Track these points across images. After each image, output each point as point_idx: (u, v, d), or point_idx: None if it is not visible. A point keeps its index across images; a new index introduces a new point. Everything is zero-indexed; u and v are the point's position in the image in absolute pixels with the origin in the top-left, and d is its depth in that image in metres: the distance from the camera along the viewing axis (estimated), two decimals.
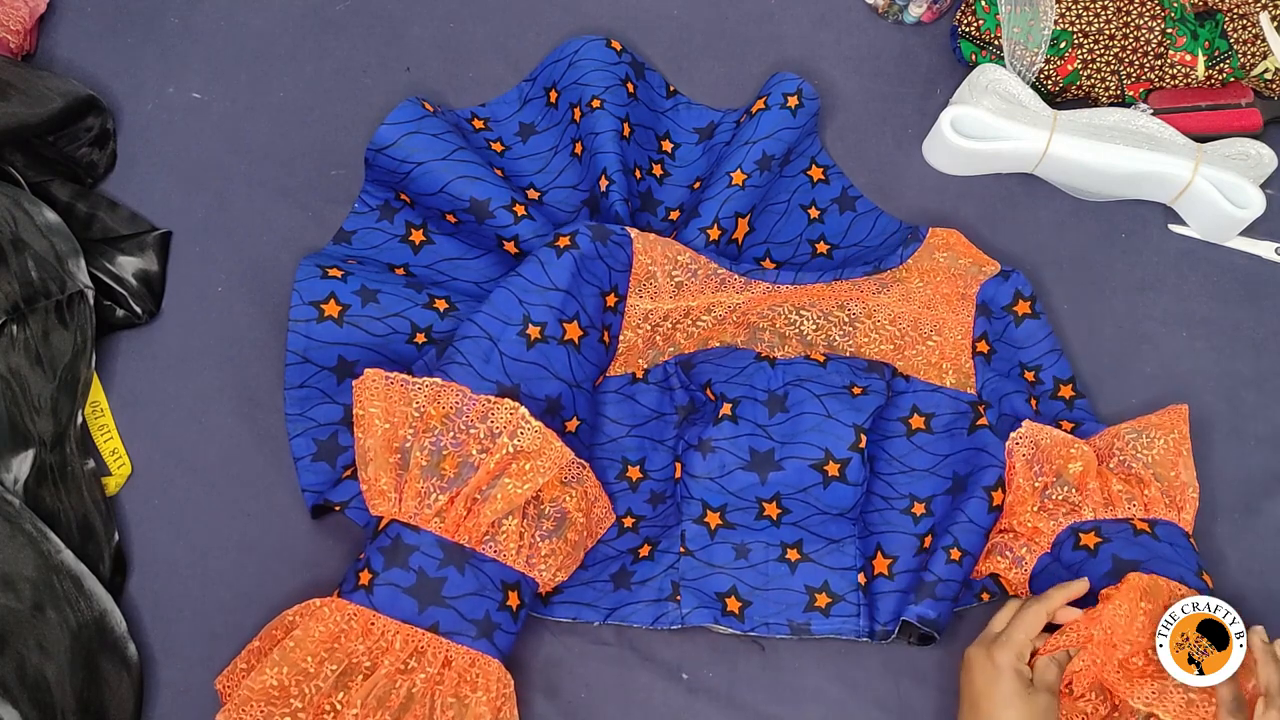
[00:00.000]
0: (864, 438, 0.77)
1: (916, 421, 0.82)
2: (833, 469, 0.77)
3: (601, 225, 0.78)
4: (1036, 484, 0.78)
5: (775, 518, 0.78)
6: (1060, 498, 0.77)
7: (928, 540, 0.79)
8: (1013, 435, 0.79)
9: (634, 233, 0.79)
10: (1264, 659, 0.68)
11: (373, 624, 0.69)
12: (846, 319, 0.83)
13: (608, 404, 0.81)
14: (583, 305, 0.77)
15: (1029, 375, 0.83)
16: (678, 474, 0.79)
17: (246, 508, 0.78)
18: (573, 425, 0.76)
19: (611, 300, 0.79)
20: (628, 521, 0.79)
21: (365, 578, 0.70)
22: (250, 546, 0.78)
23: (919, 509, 0.80)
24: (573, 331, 0.76)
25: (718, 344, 0.83)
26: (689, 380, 0.81)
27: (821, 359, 0.82)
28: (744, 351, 0.82)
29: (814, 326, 0.83)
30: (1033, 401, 0.83)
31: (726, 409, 0.78)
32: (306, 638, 0.68)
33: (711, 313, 0.82)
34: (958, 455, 0.81)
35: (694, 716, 0.76)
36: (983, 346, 0.84)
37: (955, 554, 0.76)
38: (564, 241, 0.77)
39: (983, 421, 0.81)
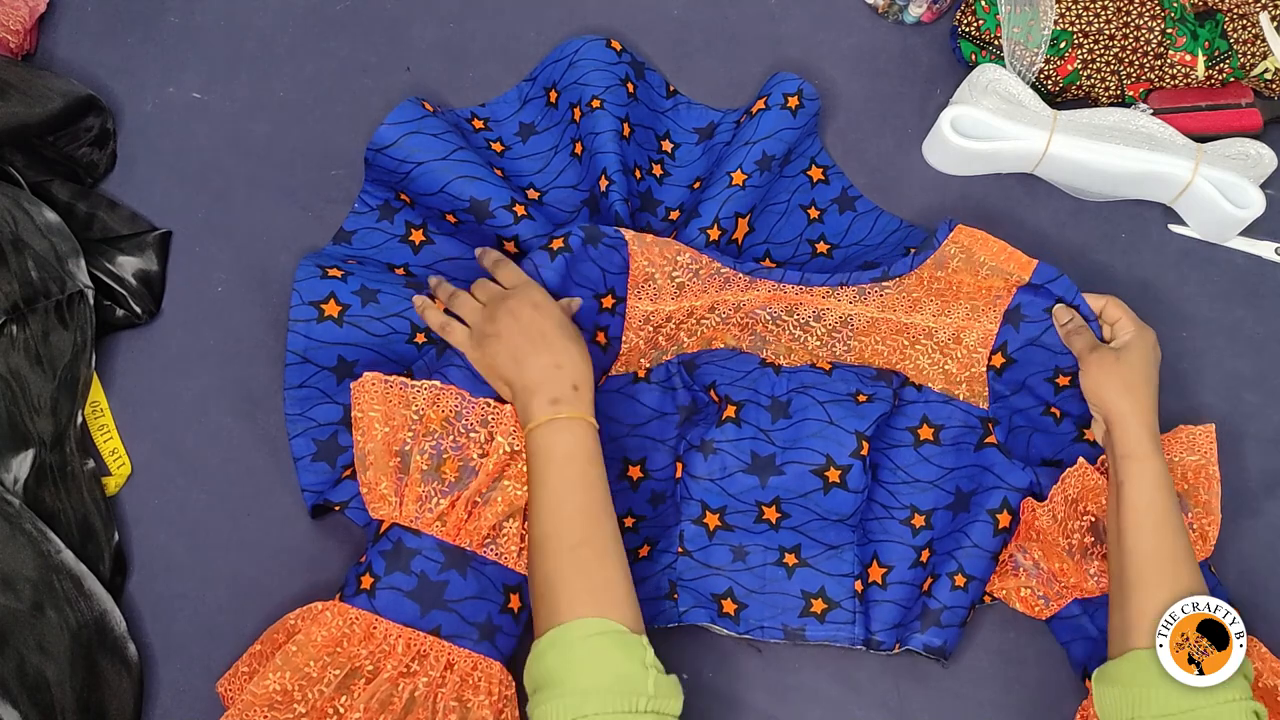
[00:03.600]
0: (866, 445, 0.77)
1: (925, 432, 0.81)
2: (833, 475, 0.77)
3: (594, 227, 0.77)
4: (1074, 526, 0.76)
5: (774, 522, 0.78)
6: (1099, 544, 0.76)
7: (925, 554, 0.78)
8: (1066, 472, 0.77)
9: (629, 235, 0.78)
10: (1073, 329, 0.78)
11: (375, 628, 0.69)
12: (851, 333, 0.82)
13: (609, 404, 0.80)
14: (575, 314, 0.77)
15: (1063, 380, 0.80)
16: (678, 474, 0.79)
17: (246, 508, 0.78)
18: None
19: (609, 302, 0.79)
20: (628, 522, 0.79)
21: (367, 582, 0.70)
22: (250, 546, 0.78)
23: (919, 521, 0.79)
24: None
25: (722, 345, 0.82)
26: (692, 380, 0.81)
27: (827, 367, 0.81)
28: (749, 356, 0.82)
29: (819, 342, 0.83)
30: (1054, 412, 0.81)
31: (730, 411, 0.78)
32: (309, 642, 0.68)
33: (715, 311, 0.82)
34: (962, 470, 0.80)
35: (694, 716, 0.76)
36: (997, 360, 0.82)
37: (960, 580, 0.76)
38: (557, 244, 0.77)
39: (991, 439, 0.80)
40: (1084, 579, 0.76)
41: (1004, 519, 0.77)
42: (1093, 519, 0.76)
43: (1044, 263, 0.79)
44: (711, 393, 0.79)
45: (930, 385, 0.82)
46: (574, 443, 0.69)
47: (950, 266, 0.79)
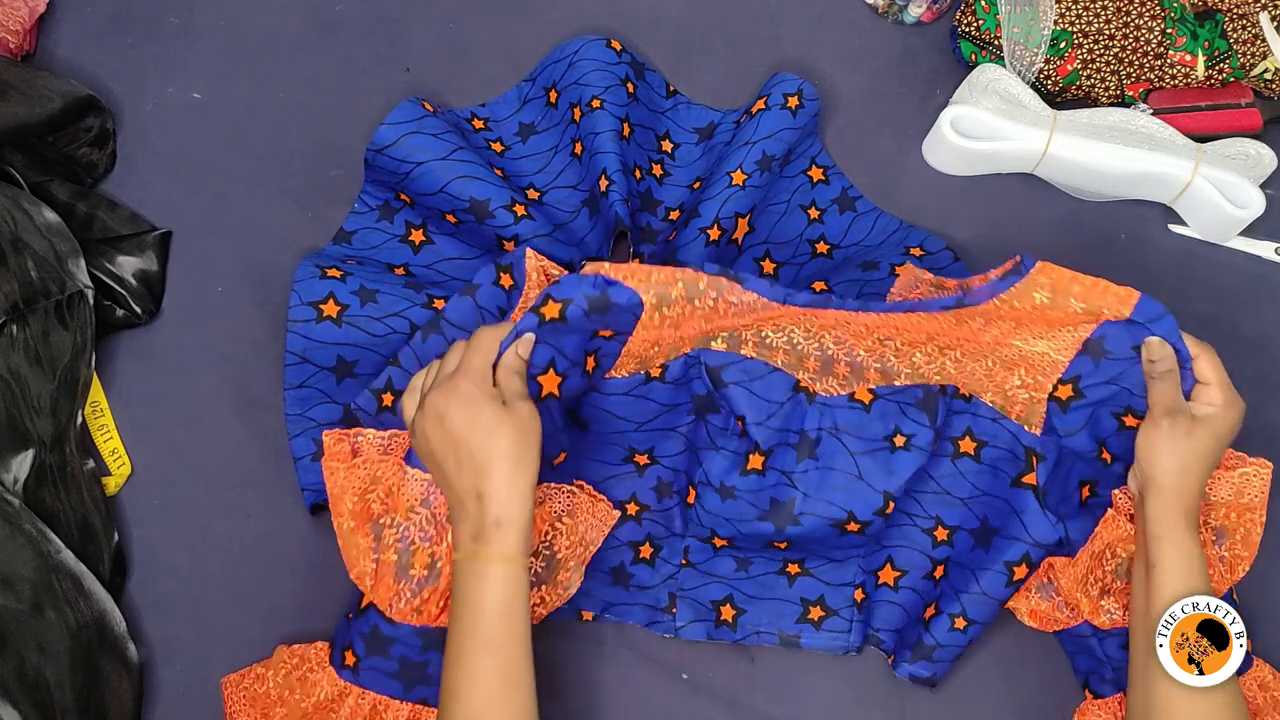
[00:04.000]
0: (893, 505, 0.74)
1: (966, 445, 0.76)
2: (853, 527, 0.74)
3: (604, 295, 0.67)
4: (1096, 577, 0.74)
5: (783, 547, 0.77)
6: (1121, 577, 0.74)
7: (939, 570, 0.77)
8: (1096, 531, 0.73)
9: (648, 299, 0.67)
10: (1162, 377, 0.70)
11: (362, 699, 0.68)
12: (904, 341, 0.74)
13: (616, 406, 0.75)
14: (560, 350, 0.68)
15: (1131, 420, 0.73)
16: (691, 498, 0.76)
17: (246, 508, 0.78)
18: (560, 459, 0.72)
19: (607, 333, 0.70)
20: (631, 509, 0.77)
21: (350, 659, 0.69)
22: (250, 546, 0.78)
23: (941, 534, 0.77)
24: (550, 384, 0.68)
25: (754, 355, 0.74)
26: (718, 396, 0.74)
27: (868, 398, 0.74)
28: (782, 376, 0.74)
29: (866, 350, 0.75)
30: (1105, 457, 0.75)
31: (757, 462, 0.73)
32: (298, 709, 0.68)
33: (744, 318, 0.73)
34: (994, 499, 0.76)
35: (694, 716, 0.76)
36: (1065, 391, 0.73)
37: (960, 623, 0.74)
38: (552, 312, 0.66)
39: (1030, 479, 0.74)
40: (1097, 614, 0.74)
41: (1020, 572, 0.74)
42: (1118, 561, 0.74)
43: (1147, 296, 0.70)
44: (740, 423, 0.74)
45: (981, 397, 0.75)
46: (489, 594, 0.61)
47: (1035, 301, 0.70)
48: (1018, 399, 0.75)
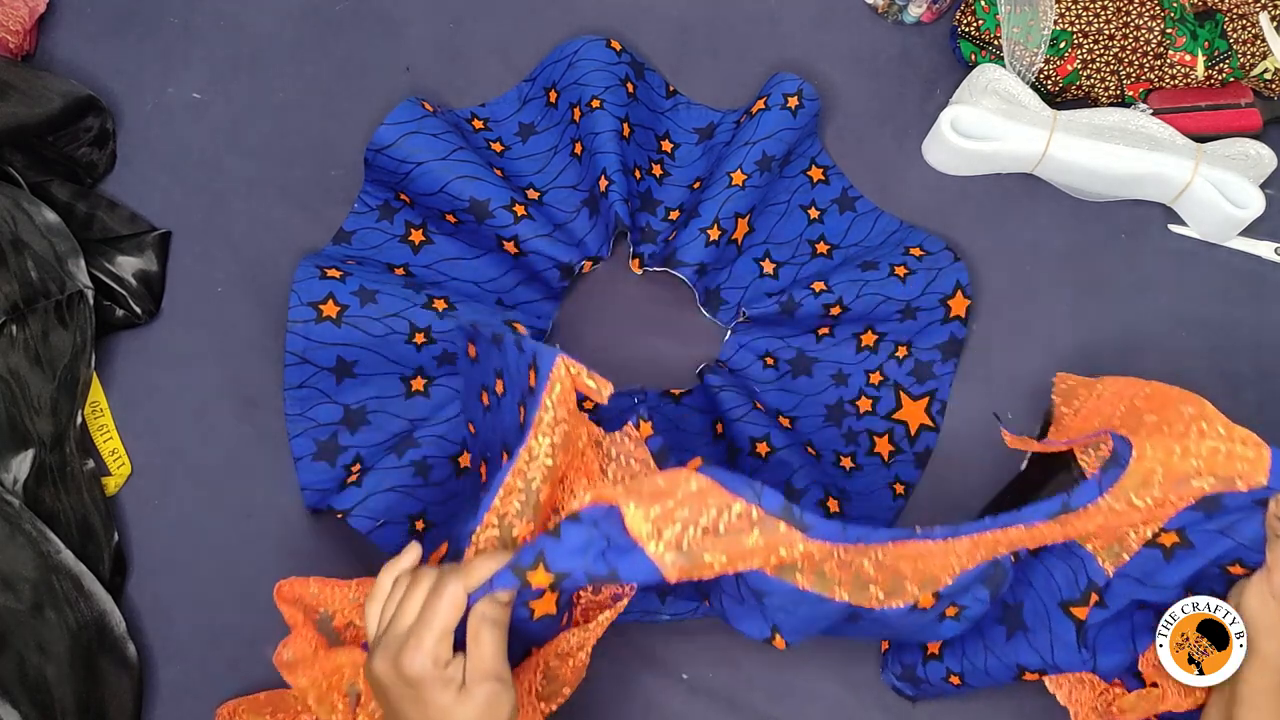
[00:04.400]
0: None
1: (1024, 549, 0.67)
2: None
3: (614, 573, 0.54)
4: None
5: None
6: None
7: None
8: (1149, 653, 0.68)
9: (670, 570, 0.54)
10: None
11: None
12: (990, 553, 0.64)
13: None
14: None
15: (1236, 569, 0.67)
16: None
17: (246, 508, 0.78)
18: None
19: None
20: None
21: None
22: (250, 546, 0.78)
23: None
24: (544, 606, 0.60)
25: (809, 587, 0.61)
26: (759, 603, 0.63)
27: (931, 603, 0.64)
28: (833, 604, 0.62)
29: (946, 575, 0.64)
30: (1188, 594, 0.68)
31: (782, 643, 0.65)
32: None
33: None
34: (1037, 602, 0.69)
35: (694, 716, 0.76)
36: (1169, 539, 0.66)
37: (955, 680, 0.72)
38: (541, 581, 0.55)
39: (1079, 613, 0.67)
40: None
41: (1030, 677, 0.70)
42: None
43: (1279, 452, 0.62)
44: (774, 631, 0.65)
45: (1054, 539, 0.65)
46: None
47: (1155, 490, 0.61)
48: (1094, 538, 0.67)
